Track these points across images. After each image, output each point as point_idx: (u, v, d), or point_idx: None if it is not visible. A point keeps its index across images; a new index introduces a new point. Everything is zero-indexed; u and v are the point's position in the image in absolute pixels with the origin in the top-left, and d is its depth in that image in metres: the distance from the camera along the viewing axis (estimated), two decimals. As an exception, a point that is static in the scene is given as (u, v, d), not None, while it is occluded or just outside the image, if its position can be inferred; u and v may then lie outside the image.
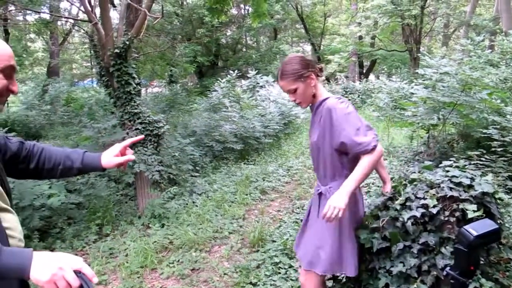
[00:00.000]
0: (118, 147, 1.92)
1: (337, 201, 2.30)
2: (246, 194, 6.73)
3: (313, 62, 2.53)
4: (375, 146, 2.31)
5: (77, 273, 1.25)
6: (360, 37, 22.30)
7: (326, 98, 2.48)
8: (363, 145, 2.30)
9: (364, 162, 2.32)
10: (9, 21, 13.62)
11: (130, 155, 1.94)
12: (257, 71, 15.53)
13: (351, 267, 2.57)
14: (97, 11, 6.73)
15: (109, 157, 1.90)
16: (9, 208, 1.60)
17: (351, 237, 2.59)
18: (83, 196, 6.03)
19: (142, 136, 2.23)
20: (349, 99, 19.90)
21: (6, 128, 7.15)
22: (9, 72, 1.50)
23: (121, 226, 5.69)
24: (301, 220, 5.44)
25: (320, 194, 2.65)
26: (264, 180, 7.61)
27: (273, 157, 9.71)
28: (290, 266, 4.23)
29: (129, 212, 6.15)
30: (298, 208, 6.14)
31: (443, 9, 19.11)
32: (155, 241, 5.04)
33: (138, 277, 4.31)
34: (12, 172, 1.82)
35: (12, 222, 1.58)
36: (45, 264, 1.23)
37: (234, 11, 22.71)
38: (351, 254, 2.58)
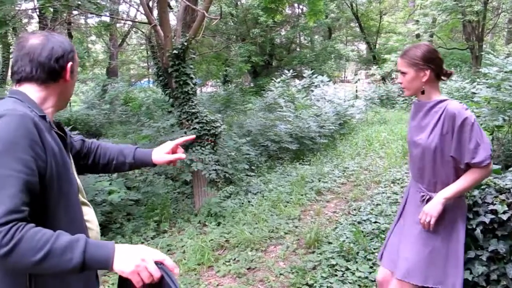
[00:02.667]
0: (170, 145, 1.97)
1: (431, 208, 2.30)
2: (302, 195, 6.68)
3: (438, 61, 2.42)
4: (489, 164, 2.26)
5: (158, 264, 1.29)
6: (418, 35, 21.65)
7: (445, 100, 2.38)
8: (479, 159, 2.24)
9: (472, 175, 2.29)
10: (72, 24, 14.23)
11: (180, 154, 1.99)
12: (313, 70, 15.42)
13: (454, 282, 2.38)
14: (155, 13, 6.90)
15: (160, 154, 1.96)
16: (87, 202, 1.66)
17: (455, 249, 2.41)
18: (141, 193, 6.19)
19: (193, 136, 2.27)
20: (405, 99, 19.51)
21: (70, 127, 7.46)
22: None
23: (178, 224, 5.79)
24: (358, 222, 5.39)
25: (425, 199, 2.49)
26: (319, 180, 7.52)
27: (329, 158, 9.60)
28: (347, 269, 4.14)
29: (185, 210, 6.25)
30: (355, 210, 6.02)
31: (508, 3, 18.20)
32: (211, 239, 5.08)
33: (195, 274, 4.36)
34: (77, 166, 1.90)
35: (90, 215, 1.65)
36: (128, 256, 1.28)
37: (288, 10, 22.65)
38: (455, 268, 2.39)
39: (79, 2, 5.51)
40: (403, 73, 2.43)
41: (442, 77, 2.46)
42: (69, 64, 1.56)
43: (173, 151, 1.98)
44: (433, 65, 2.39)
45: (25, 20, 12.67)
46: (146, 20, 7.08)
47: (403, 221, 2.63)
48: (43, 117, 1.45)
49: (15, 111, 1.35)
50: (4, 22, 4.62)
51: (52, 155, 1.39)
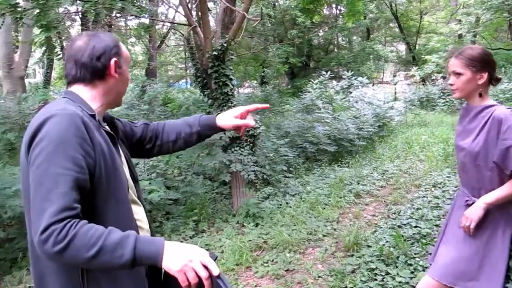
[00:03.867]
0: (240, 110, 1.90)
1: (472, 213, 2.28)
2: (340, 197, 6.62)
3: (493, 64, 2.37)
4: None
5: (217, 278, 1.30)
6: (460, 36, 21.07)
7: (493, 105, 2.32)
8: None
9: None
10: (113, 26, 14.54)
11: (250, 120, 1.89)
12: (352, 72, 15.25)
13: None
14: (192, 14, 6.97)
15: (227, 117, 1.89)
16: (138, 200, 1.68)
17: (495, 256, 2.35)
18: (180, 193, 6.26)
19: (267, 105, 2.17)
20: (446, 101, 19.03)
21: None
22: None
23: (216, 224, 5.83)
24: (398, 226, 5.29)
25: (469, 204, 2.45)
26: (358, 183, 7.43)
27: (367, 160, 9.47)
28: (387, 273, 4.07)
29: (224, 210, 6.29)
30: (394, 213, 5.92)
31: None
32: (250, 240, 5.10)
33: (234, 274, 4.38)
34: (141, 153, 1.95)
35: (141, 214, 1.68)
36: (176, 254, 1.29)
37: (326, 11, 22.50)
38: (490, 275, 2.34)
39: (124, 6, 5.62)
40: (458, 73, 2.35)
41: (493, 82, 2.40)
42: (113, 60, 1.57)
43: (242, 117, 1.90)
44: (490, 68, 2.33)
45: (68, 23, 13.04)
46: (185, 22, 7.18)
47: (450, 226, 2.59)
48: (93, 116, 1.48)
49: (65, 110, 1.39)
50: (53, 26, 4.77)
51: (100, 153, 1.42)
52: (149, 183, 5.92)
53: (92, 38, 1.58)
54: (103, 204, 1.43)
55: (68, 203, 1.25)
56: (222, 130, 1.94)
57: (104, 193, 1.43)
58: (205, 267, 1.29)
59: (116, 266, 1.26)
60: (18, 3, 4.42)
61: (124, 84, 1.66)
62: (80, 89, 1.56)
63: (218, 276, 1.28)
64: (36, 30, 11.61)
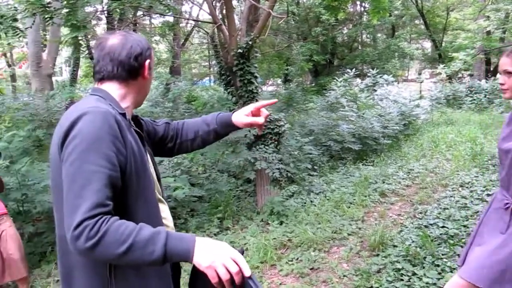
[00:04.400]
0: (251, 107, 1.89)
1: None
2: (365, 196, 6.56)
3: None
4: None
5: (248, 278, 1.29)
6: (488, 32, 20.62)
7: None
8: None
9: None
10: (137, 25, 14.71)
11: (259, 118, 1.87)
12: (377, 70, 15.10)
13: None
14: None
15: (240, 116, 1.88)
16: (163, 199, 1.70)
17: None
18: (205, 190, 6.31)
19: (275, 100, 2.17)
20: (473, 99, 18.66)
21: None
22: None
23: (241, 221, 5.85)
24: (425, 226, 5.22)
25: (509, 207, 2.38)
26: (383, 182, 7.35)
27: (393, 159, 9.36)
28: (414, 274, 4.02)
29: (248, 208, 6.31)
30: (421, 213, 5.83)
31: None
32: (274, 238, 5.10)
33: (258, 272, 4.39)
34: (162, 151, 1.96)
35: (166, 212, 1.69)
36: (207, 250, 1.29)
37: (350, 8, 22.30)
38: None
39: (151, 4, 5.68)
40: (509, 73, 2.28)
41: None
42: (147, 61, 1.61)
43: (254, 114, 1.88)
44: None
45: (93, 22, 13.22)
46: (209, 20, 7.21)
47: (484, 228, 2.52)
48: (123, 115, 1.50)
49: (98, 108, 1.41)
50: (82, 25, 4.85)
51: (131, 152, 1.44)
52: (174, 180, 5.98)
53: (127, 37, 1.60)
54: (133, 202, 1.45)
55: (101, 200, 1.26)
56: (238, 128, 1.93)
57: (135, 192, 1.45)
58: (236, 263, 1.29)
59: (147, 262, 1.27)
60: (49, 3, 4.52)
61: (149, 85, 1.71)
62: (112, 87, 1.57)
63: (250, 277, 1.28)
64: (64, 29, 11.85)
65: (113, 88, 1.57)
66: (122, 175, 1.39)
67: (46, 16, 4.75)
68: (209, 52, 22.65)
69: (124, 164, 1.40)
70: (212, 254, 1.28)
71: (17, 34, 5.20)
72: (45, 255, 5.13)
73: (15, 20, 5.02)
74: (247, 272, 1.27)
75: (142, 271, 1.48)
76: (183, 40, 20.87)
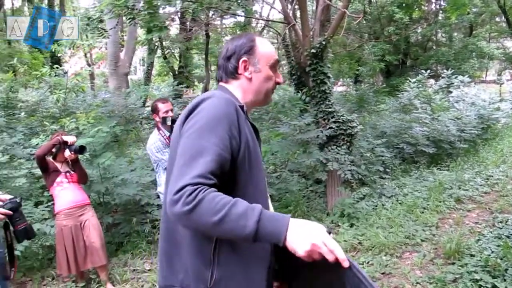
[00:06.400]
0: None
1: None
2: (440, 201, 6.34)
3: None
4: None
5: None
6: None
7: None
8: None
9: None
10: (209, 25, 15.01)
11: None
12: (452, 71, 14.49)
13: None
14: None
15: None
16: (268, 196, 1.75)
17: None
18: (275, 189, 6.34)
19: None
20: None
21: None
22: (275, 66, 1.73)
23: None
24: (506, 236, 4.95)
25: None
26: (459, 188, 7.07)
27: (469, 164, 8.97)
28: (494, 286, 3.83)
29: (318, 209, 6.29)
30: (501, 222, 5.55)
31: None
32: (345, 240, 5.06)
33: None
34: None
35: (271, 208, 1.76)
36: (300, 236, 1.26)
37: (425, 6, 21.52)
38: None
39: (229, 6, 5.81)
40: None
41: None
42: (241, 60, 1.66)
43: None
44: None
45: (166, 23, 13.66)
46: (280, 20, 7.26)
47: None
48: (241, 107, 1.57)
49: (222, 95, 1.55)
50: (164, 26, 5.06)
51: (245, 141, 1.49)
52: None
53: (230, 40, 1.72)
54: (243, 188, 1.49)
55: (205, 172, 1.31)
56: None
57: (245, 178, 1.50)
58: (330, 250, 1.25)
59: (238, 236, 1.28)
60: (134, 5, 4.75)
61: (263, 82, 1.70)
62: (227, 86, 1.71)
63: (349, 267, 1.25)
64: (140, 30, 12.33)
65: (228, 87, 1.70)
66: (233, 160, 1.44)
67: (129, 17, 4.99)
68: (278, 52, 22.73)
69: (236, 150, 1.45)
70: (306, 241, 1.25)
71: (102, 35, 5.49)
72: (121, 245, 5.38)
73: (101, 21, 5.30)
74: (341, 255, 1.24)
75: (245, 259, 1.50)
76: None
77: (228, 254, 1.47)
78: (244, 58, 1.66)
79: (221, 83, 1.72)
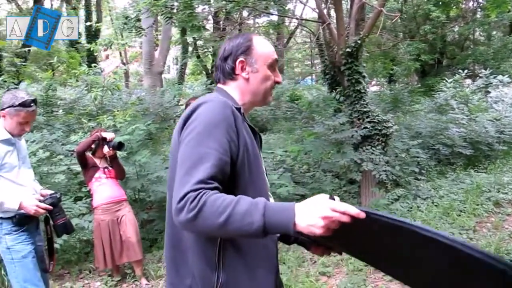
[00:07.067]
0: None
1: None
2: (477, 205, 6.18)
3: None
4: None
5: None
6: None
7: None
8: None
9: None
10: (243, 24, 15.07)
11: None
12: (491, 70, 14.10)
13: None
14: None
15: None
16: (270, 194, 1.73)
17: None
18: (308, 189, 6.31)
19: None
20: None
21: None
22: (274, 65, 1.69)
23: (344, 222, 5.78)
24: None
25: None
26: (498, 191, 6.87)
27: (509, 167, 8.71)
28: (534, 292, 3.71)
29: (351, 209, 6.21)
30: (544, 228, 5.38)
31: None
32: (379, 242, 4.98)
33: (362, 275, 4.31)
34: None
35: None
36: (308, 217, 1.22)
37: (463, 4, 21.01)
38: None
39: (267, 5, 5.82)
40: None
41: None
42: (238, 60, 1.62)
43: None
44: None
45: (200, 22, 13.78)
46: (314, 18, 7.22)
47: None
48: (238, 109, 1.55)
49: (218, 98, 1.52)
50: (202, 26, 5.11)
51: (244, 144, 1.47)
52: (278, 178, 6.05)
53: (227, 40, 1.70)
54: (244, 192, 1.42)
55: (205, 177, 1.30)
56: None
57: (246, 181, 1.48)
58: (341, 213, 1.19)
59: (248, 234, 1.26)
60: (173, 5, 4.81)
61: (261, 83, 1.66)
62: (225, 87, 1.68)
63: (366, 214, 1.17)
64: (173, 29, 12.49)
65: (226, 88, 1.67)
66: (232, 164, 1.42)
67: (167, 17, 5.06)
68: (311, 51, 22.62)
69: (235, 154, 1.44)
70: (314, 217, 1.20)
71: (140, 33, 5.57)
72: (155, 241, 5.47)
73: (138, 20, 5.39)
74: (353, 211, 1.18)
75: (251, 262, 1.49)
76: (286, 39, 21.04)
77: (233, 257, 1.47)
78: (241, 58, 1.63)
79: (218, 85, 1.70)
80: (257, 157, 1.55)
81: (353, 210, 1.17)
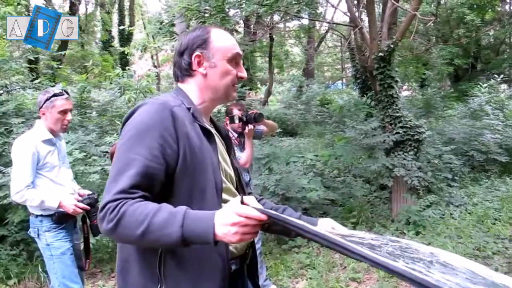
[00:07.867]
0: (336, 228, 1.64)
1: None
2: (514, 213, 6.04)
3: None
4: None
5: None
6: None
7: None
8: None
9: None
10: (273, 28, 15.11)
11: None
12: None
13: None
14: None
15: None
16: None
17: None
18: (339, 194, 6.29)
19: None
20: None
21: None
22: (235, 59, 1.58)
23: (375, 228, 5.74)
24: None
25: None
26: (536, 199, 6.69)
27: (546, 174, 8.47)
28: None
29: (382, 215, 6.16)
30: None
31: None
32: (410, 248, 4.91)
33: (393, 282, 4.26)
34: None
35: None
36: (224, 225, 1.19)
37: (499, 7, 20.53)
38: None
39: (299, 9, 5.84)
40: None
41: None
42: (194, 55, 1.54)
43: None
44: None
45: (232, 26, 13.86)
46: (344, 22, 7.19)
47: None
48: (188, 109, 1.48)
49: (158, 99, 1.45)
50: (235, 30, 5.15)
51: (187, 146, 1.40)
52: (308, 182, 6.04)
53: (185, 33, 1.63)
54: (185, 198, 1.39)
55: (127, 187, 1.27)
56: None
57: (188, 188, 1.41)
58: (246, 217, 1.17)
59: (167, 244, 1.25)
60: (206, 9, 4.88)
61: (220, 78, 1.56)
62: (183, 86, 1.60)
63: (268, 216, 1.16)
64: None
65: (184, 87, 1.59)
66: (171, 168, 1.36)
67: (200, 21, 5.13)
68: (342, 55, 22.50)
69: (173, 158, 1.37)
70: (227, 227, 1.18)
71: (173, 38, 5.66)
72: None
73: (173, 25, 5.47)
74: (255, 215, 1.16)
75: (193, 275, 1.41)
76: (316, 43, 20.99)
77: (174, 268, 1.40)
78: (197, 52, 1.53)
79: (178, 84, 1.61)
80: (206, 162, 1.45)
81: (254, 213, 1.15)
